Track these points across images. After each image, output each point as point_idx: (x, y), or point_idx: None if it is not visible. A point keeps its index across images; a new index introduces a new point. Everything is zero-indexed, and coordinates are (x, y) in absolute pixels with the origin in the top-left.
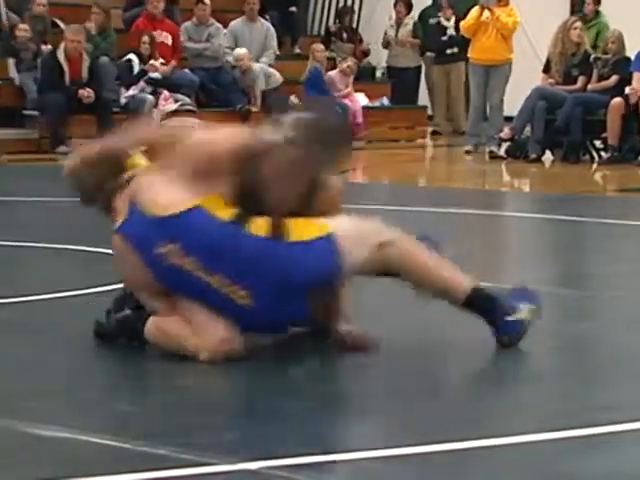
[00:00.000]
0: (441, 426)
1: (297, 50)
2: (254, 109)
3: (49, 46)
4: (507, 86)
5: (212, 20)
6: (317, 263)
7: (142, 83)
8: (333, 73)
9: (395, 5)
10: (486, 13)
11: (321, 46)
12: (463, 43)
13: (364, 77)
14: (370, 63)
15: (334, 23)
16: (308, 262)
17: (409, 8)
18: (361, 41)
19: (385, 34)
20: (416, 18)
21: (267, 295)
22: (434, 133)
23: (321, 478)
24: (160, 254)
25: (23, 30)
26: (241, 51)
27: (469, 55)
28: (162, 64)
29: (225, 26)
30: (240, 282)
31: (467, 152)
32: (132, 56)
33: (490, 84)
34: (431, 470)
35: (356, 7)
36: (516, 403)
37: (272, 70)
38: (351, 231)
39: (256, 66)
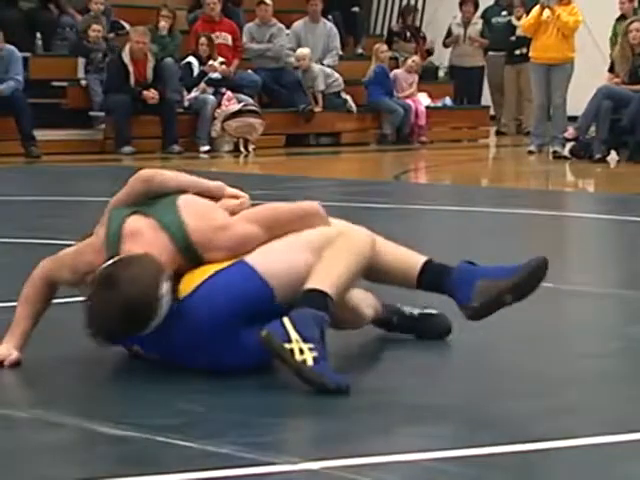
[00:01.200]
0: (503, 428)
1: (360, 50)
2: (316, 109)
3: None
4: (571, 86)
5: (274, 21)
6: (224, 292)
7: (203, 84)
8: (399, 72)
9: (461, 5)
10: (546, 12)
11: (384, 46)
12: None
13: (427, 77)
14: (432, 63)
15: (397, 23)
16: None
17: (476, 7)
18: (425, 40)
19: (450, 33)
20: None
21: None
22: (498, 133)
23: (382, 478)
24: None
25: (96, 31)
26: (304, 51)
27: (530, 54)
28: (222, 64)
29: (288, 27)
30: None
31: (530, 152)
32: (191, 58)
33: (552, 83)
34: (492, 472)
35: (419, 6)
36: (578, 405)
37: (330, 71)
38: (267, 249)
39: (315, 67)
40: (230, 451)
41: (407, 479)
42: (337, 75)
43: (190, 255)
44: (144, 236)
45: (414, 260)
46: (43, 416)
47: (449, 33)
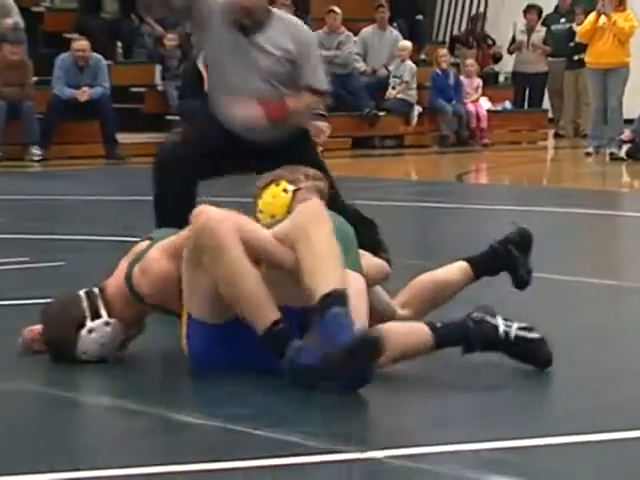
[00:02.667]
0: (554, 420)
1: (423, 56)
2: (380, 114)
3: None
4: (627, 89)
5: (343, 28)
6: None
7: None
8: (462, 77)
9: (525, 12)
10: (603, 19)
11: (444, 51)
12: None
13: (487, 81)
14: (493, 69)
15: (465, 29)
16: None
17: (540, 15)
18: (493, 44)
19: (514, 40)
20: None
21: None
22: (556, 136)
23: (444, 467)
24: None
25: (171, 40)
26: (406, 43)
27: (586, 60)
28: None
29: (355, 34)
30: None
31: (587, 154)
32: None
33: (608, 87)
34: (548, 462)
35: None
36: (626, 399)
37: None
38: None
39: (409, 61)
40: (299, 440)
41: (466, 468)
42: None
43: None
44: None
45: None
46: (126, 405)
47: (513, 40)
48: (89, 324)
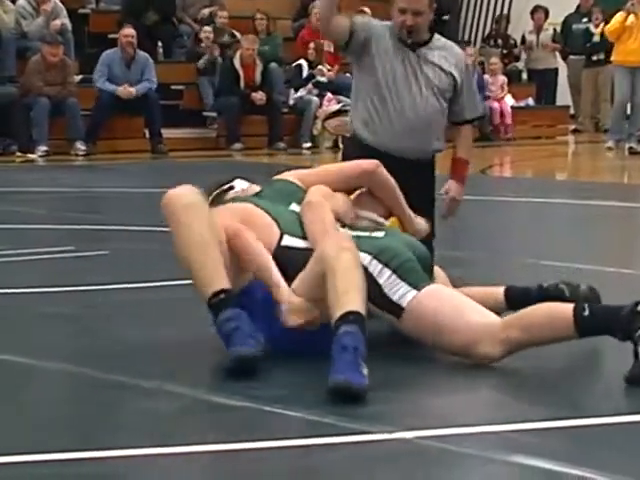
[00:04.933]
0: (570, 403)
1: None
2: None
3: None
4: None
5: None
6: None
7: (310, 85)
8: (487, 76)
9: (533, 13)
10: (631, 18)
11: (470, 50)
12: (608, 47)
13: (511, 79)
14: (517, 67)
15: (490, 29)
16: None
17: (547, 15)
18: (515, 46)
19: (524, 40)
20: (560, 23)
21: None
22: (575, 131)
23: (468, 448)
24: None
25: (207, 33)
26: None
27: (613, 58)
28: (329, 70)
29: None
30: None
31: (609, 149)
32: (302, 61)
33: (635, 84)
34: (564, 443)
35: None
36: None
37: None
38: None
39: None
40: (331, 420)
41: (489, 449)
42: None
43: None
44: None
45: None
46: (164, 387)
47: (523, 40)
48: None
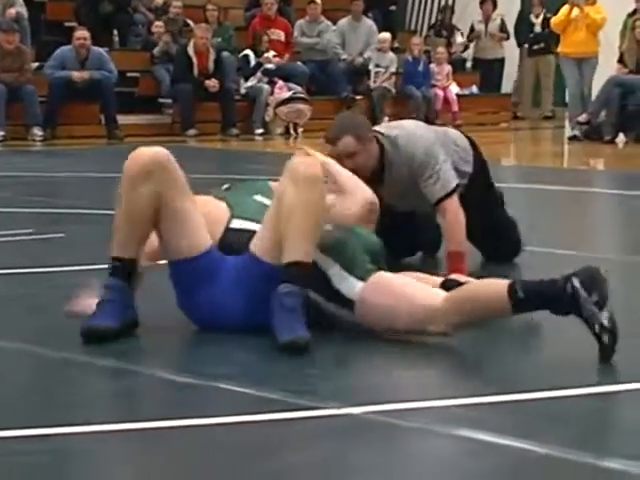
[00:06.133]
0: (516, 378)
1: (396, 44)
2: (357, 97)
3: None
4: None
5: (322, 18)
6: None
7: (259, 74)
8: (433, 65)
9: (482, 3)
10: (575, 11)
11: (417, 39)
12: (550, 38)
13: (456, 68)
14: (461, 56)
15: (436, 19)
16: None
17: (495, 5)
18: (461, 35)
19: (472, 29)
20: (516, 15)
21: None
22: (515, 118)
23: (415, 422)
24: None
25: (158, 27)
26: (386, 35)
27: (560, 49)
28: (274, 57)
29: (334, 23)
30: None
31: (571, 139)
32: (248, 51)
33: (583, 75)
34: (510, 416)
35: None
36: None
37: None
38: None
39: (391, 52)
40: (280, 397)
41: (435, 423)
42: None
43: None
44: None
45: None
46: (119, 365)
47: (472, 29)
48: None
